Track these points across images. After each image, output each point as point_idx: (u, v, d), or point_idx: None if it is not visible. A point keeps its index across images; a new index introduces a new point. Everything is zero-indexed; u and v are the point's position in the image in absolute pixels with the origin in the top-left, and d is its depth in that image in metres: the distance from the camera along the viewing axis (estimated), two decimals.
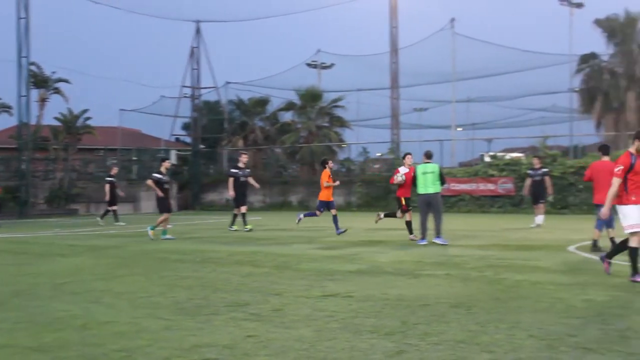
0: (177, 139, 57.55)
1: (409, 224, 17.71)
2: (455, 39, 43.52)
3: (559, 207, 33.63)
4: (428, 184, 16.53)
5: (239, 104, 49.94)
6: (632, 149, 9.79)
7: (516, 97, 51.22)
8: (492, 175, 35.66)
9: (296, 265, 12.31)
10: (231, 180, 22.13)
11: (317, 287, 9.50)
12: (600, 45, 48.70)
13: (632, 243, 9.64)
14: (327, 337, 6.41)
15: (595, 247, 14.23)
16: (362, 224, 25.70)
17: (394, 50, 41.58)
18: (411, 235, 17.43)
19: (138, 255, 14.84)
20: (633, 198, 9.61)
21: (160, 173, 19.29)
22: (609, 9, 52.27)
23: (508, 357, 5.62)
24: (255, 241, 17.96)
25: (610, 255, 10.49)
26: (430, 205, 16.58)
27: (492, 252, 14.21)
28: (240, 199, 22.28)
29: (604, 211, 10.18)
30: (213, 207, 43.89)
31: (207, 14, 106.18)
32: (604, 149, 14.91)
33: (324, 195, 20.56)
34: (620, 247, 10.38)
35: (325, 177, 20.49)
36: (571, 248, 14.99)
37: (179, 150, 49.61)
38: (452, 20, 43.58)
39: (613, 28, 46.73)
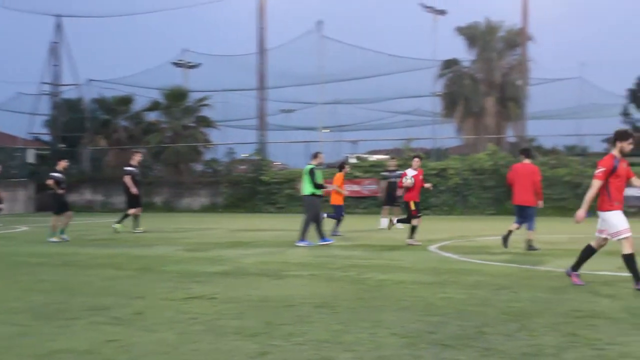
0: (36, 138, 55.39)
1: (414, 229, 16.59)
2: (323, 42, 43.98)
3: (421, 207, 34.52)
4: (303, 185, 16.60)
5: (102, 102, 48.55)
6: (614, 152, 9.32)
7: (382, 99, 52.31)
8: (358, 177, 36.23)
9: (160, 267, 12.08)
10: (129, 177, 21.56)
11: (181, 289, 9.35)
12: (462, 52, 50.42)
13: (625, 250, 9.15)
14: (190, 339, 6.30)
15: (531, 247, 14.59)
16: (227, 224, 25.56)
17: (262, 51, 41.58)
18: (409, 240, 16.39)
19: None
20: (616, 204, 9.21)
21: (58, 172, 18.66)
22: (471, 16, 54.09)
23: (370, 355, 5.69)
24: (118, 243, 17.52)
25: (576, 267, 9.84)
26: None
27: (357, 253, 14.41)
28: (135, 198, 21.69)
29: (580, 214, 9.31)
30: (73, 209, 42.39)
31: (68, 8, 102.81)
32: (526, 152, 15.46)
33: (337, 200, 20.39)
34: (584, 255, 9.77)
35: (338, 181, 20.25)
36: (432, 248, 15.39)
37: (37, 149, 47.74)
38: (320, 22, 44.02)
39: (474, 36, 48.42)
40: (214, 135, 46.60)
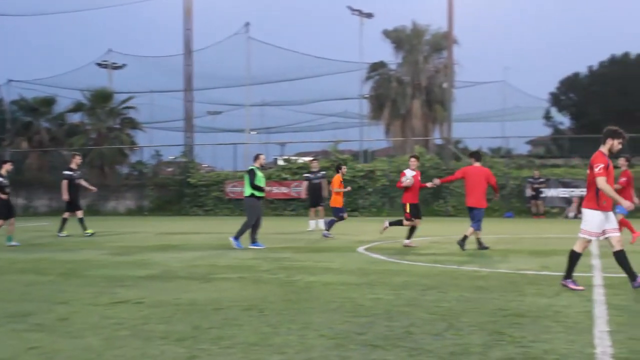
0: None
1: (412, 229, 16.38)
2: (250, 43, 43.89)
3: (349, 209, 34.77)
4: (244, 186, 16.42)
5: (23, 104, 47.28)
6: (604, 149, 9.08)
7: (309, 102, 52.52)
8: (286, 179, 36.25)
9: (84, 272, 11.81)
10: (65, 182, 21.06)
11: (107, 294, 9.15)
12: (388, 55, 51.00)
13: (576, 247, 9.10)
14: (116, 345, 6.17)
15: (461, 243, 14.90)
16: (154, 228, 25.24)
17: (188, 52, 41.18)
18: (406, 241, 16.17)
19: None
20: (604, 203, 8.97)
21: (1, 176, 17.94)
22: (398, 20, 54.74)
23: (299, 357, 5.67)
24: (40, 247, 17.10)
25: (632, 275, 9.06)
26: None
27: (285, 255, 14.38)
28: (75, 202, 21.22)
29: (626, 204, 9.23)
30: None
31: None
32: (476, 155, 15.87)
33: (336, 202, 20.28)
34: (622, 262, 9.09)
35: (336, 182, 20.14)
36: (361, 249, 15.47)
37: None
38: (247, 24, 43.92)
39: (401, 39, 49.04)
40: (139, 137, 46.06)
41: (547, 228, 23.44)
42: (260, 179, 16.20)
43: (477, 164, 15.45)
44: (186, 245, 17.10)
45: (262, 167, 16.70)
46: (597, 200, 8.96)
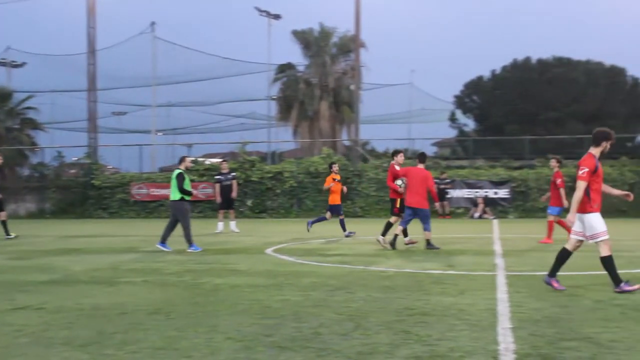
0: None
1: (389, 225, 16.31)
2: (156, 43, 43.31)
3: (257, 211, 34.70)
4: (171, 190, 15.93)
5: None
6: (595, 152, 9.00)
7: (217, 103, 52.23)
8: (193, 181, 35.77)
9: None
10: None
11: (5, 300, 8.83)
12: (297, 56, 51.20)
13: (604, 252, 8.84)
14: (14, 353, 5.96)
15: (430, 246, 15.34)
16: (56, 231, 24.58)
17: (92, 51, 40.25)
18: (380, 238, 15.98)
19: None
20: (596, 206, 8.89)
21: None
22: (306, 22, 55.01)
23: None
24: None
25: (552, 272, 9.20)
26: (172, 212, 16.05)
27: (191, 257, 14.21)
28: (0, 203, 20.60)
29: (570, 218, 8.98)
30: None
31: None
32: (421, 157, 16.05)
33: (332, 199, 19.99)
34: (560, 259, 9.21)
35: (328, 181, 20.07)
36: (269, 251, 15.42)
37: None
38: (153, 24, 43.33)
39: (308, 40, 49.24)
40: (41, 138, 44.75)
41: (452, 228, 23.90)
42: (188, 182, 15.88)
43: (421, 166, 15.68)
44: (89, 249, 16.70)
45: (187, 169, 16.34)
46: (590, 202, 8.87)
